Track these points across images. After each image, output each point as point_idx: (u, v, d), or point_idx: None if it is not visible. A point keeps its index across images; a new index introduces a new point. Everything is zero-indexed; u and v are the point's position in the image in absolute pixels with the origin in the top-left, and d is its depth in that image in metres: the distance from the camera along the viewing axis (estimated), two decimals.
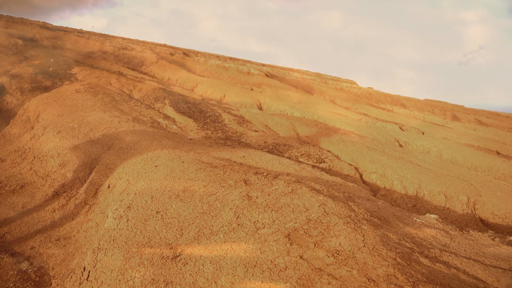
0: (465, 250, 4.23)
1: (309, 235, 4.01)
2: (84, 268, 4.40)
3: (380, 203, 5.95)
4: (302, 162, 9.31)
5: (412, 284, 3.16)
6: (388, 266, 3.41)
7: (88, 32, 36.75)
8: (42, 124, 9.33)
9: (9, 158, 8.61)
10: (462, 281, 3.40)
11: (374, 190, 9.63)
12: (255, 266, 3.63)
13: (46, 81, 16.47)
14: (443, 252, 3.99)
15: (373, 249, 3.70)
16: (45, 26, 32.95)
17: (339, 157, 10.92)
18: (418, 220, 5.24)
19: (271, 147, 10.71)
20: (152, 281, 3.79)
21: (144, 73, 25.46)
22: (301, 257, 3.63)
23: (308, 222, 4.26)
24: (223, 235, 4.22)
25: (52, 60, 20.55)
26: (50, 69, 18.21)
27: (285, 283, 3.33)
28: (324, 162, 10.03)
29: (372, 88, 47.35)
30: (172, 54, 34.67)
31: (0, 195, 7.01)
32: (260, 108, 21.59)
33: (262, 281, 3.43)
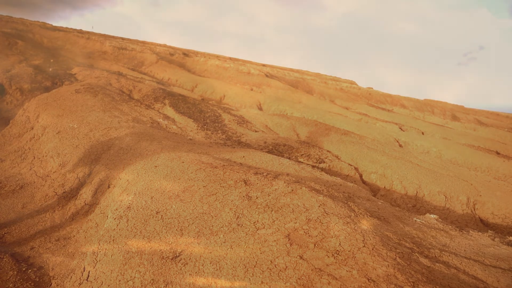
0: (465, 250, 4.23)
1: (309, 235, 4.01)
2: (84, 268, 4.40)
3: (380, 203, 5.95)
4: (302, 162, 9.31)
5: (412, 284, 3.16)
6: (388, 266, 3.41)
7: (88, 32, 36.73)
8: (42, 124, 9.33)
9: (9, 158, 8.61)
10: (462, 281, 3.40)
11: (374, 190, 9.63)
12: (255, 266, 3.63)
13: (46, 81, 16.47)
14: (443, 252, 4.00)
15: (373, 249, 3.70)
16: (44, 26, 32.92)
17: (339, 157, 10.92)
18: (418, 220, 5.25)
19: (271, 147, 10.71)
20: (152, 281, 3.79)
21: (144, 73, 25.46)
22: (301, 257, 3.63)
23: (308, 222, 4.26)
24: (223, 235, 4.21)
25: (52, 60, 20.55)
26: (50, 69, 18.21)
27: (285, 283, 3.33)
28: (324, 162, 10.03)
29: (372, 88, 47.39)
30: (172, 55, 34.66)
31: (0, 196, 7.01)
32: (260, 108, 21.59)
33: (262, 281, 3.43)
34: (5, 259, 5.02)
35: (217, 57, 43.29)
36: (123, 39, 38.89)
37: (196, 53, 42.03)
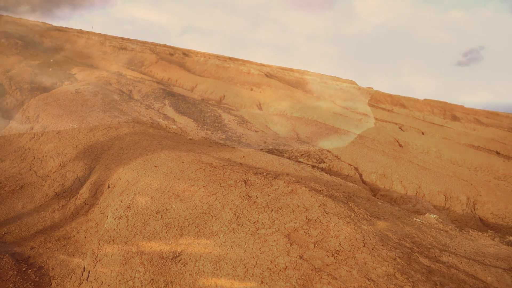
0: (464, 250, 4.23)
1: (309, 235, 4.01)
2: (84, 268, 4.40)
3: (380, 203, 5.95)
4: (302, 162, 9.31)
5: (412, 284, 3.16)
6: (388, 266, 3.41)
7: (88, 32, 36.71)
8: (41, 124, 9.33)
9: (9, 158, 8.61)
10: (462, 281, 3.40)
11: (374, 190, 9.62)
12: (255, 266, 3.63)
13: (46, 81, 16.47)
14: (443, 252, 3.99)
15: (373, 249, 3.70)
16: (44, 26, 32.90)
17: (339, 157, 10.92)
18: (418, 220, 5.25)
19: (271, 147, 10.71)
20: (152, 281, 3.79)
21: (144, 73, 25.45)
22: (301, 257, 3.63)
23: (308, 222, 4.26)
24: (223, 235, 4.21)
25: (52, 60, 20.55)
26: (50, 70, 18.20)
27: (285, 283, 3.33)
28: (324, 162, 10.03)
29: (372, 88, 47.39)
30: (171, 55, 34.67)
31: (0, 196, 7.01)
32: (260, 108, 21.58)
33: (262, 281, 3.43)
34: (5, 259, 5.01)
35: (217, 57, 43.27)
36: (123, 39, 38.86)
37: (196, 53, 42.02)
